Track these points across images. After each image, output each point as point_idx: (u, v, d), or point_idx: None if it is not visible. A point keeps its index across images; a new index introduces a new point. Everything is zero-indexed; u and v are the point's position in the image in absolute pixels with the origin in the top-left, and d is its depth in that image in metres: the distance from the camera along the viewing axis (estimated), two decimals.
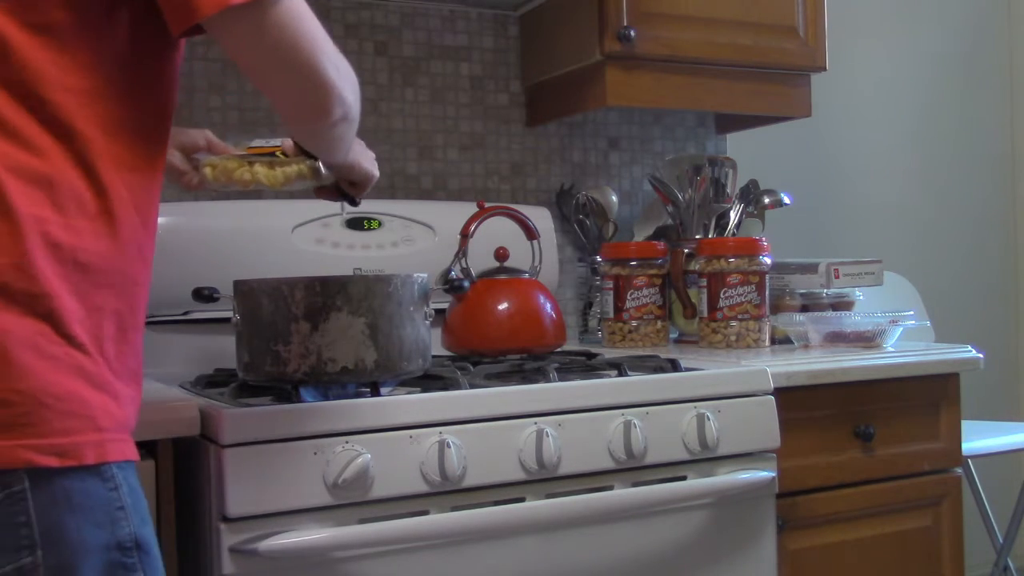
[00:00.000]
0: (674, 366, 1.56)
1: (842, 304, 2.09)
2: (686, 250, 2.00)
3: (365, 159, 1.33)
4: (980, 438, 2.20)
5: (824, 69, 2.17)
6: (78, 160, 0.93)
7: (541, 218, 2.05)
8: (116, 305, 0.95)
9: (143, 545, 0.93)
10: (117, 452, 0.92)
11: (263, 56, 0.99)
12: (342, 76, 1.05)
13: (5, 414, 0.85)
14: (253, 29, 0.97)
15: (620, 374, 1.50)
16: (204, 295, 1.44)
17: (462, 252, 1.72)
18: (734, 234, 2.15)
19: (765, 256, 1.91)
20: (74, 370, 0.89)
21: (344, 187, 1.35)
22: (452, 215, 1.89)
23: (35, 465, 0.85)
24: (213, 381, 1.51)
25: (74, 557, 0.87)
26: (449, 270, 1.69)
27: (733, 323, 1.89)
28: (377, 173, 1.36)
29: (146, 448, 1.22)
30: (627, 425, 1.40)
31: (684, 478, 1.45)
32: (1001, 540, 2.44)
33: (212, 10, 0.94)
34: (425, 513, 1.28)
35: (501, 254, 1.75)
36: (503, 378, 1.51)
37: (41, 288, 0.88)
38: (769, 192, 2.21)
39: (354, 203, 1.39)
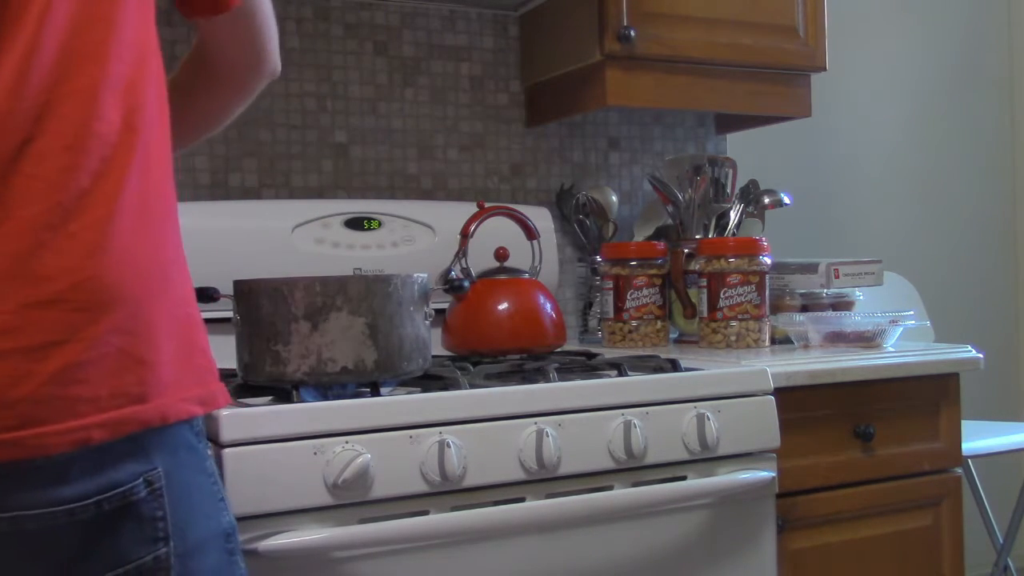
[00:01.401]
0: (674, 366, 1.56)
1: (842, 304, 2.09)
2: (686, 250, 2.00)
3: None
4: (980, 438, 2.20)
5: (824, 69, 2.17)
6: None
7: (541, 218, 2.05)
8: None
9: (236, 530, 1.02)
10: (227, 396, 1.02)
11: (247, 27, 1.16)
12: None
13: (166, 374, 0.92)
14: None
15: (620, 374, 1.50)
16: (204, 295, 1.43)
17: (462, 252, 1.72)
18: (734, 234, 2.15)
19: (765, 256, 1.91)
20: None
21: None
22: (452, 215, 1.89)
23: (193, 415, 0.94)
24: None
25: (195, 546, 0.95)
26: (449, 270, 1.69)
27: (733, 323, 1.89)
28: None
29: None
30: (627, 425, 1.40)
31: (684, 478, 1.45)
32: (1001, 540, 2.44)
33: None
34: (425, 513, 1.28)
35: (501, 254, 1.75)
36: (503, 378, 1.51)
37: None
38: (769, 192, 2.21)
39: None
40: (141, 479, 0.90)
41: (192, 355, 0.96)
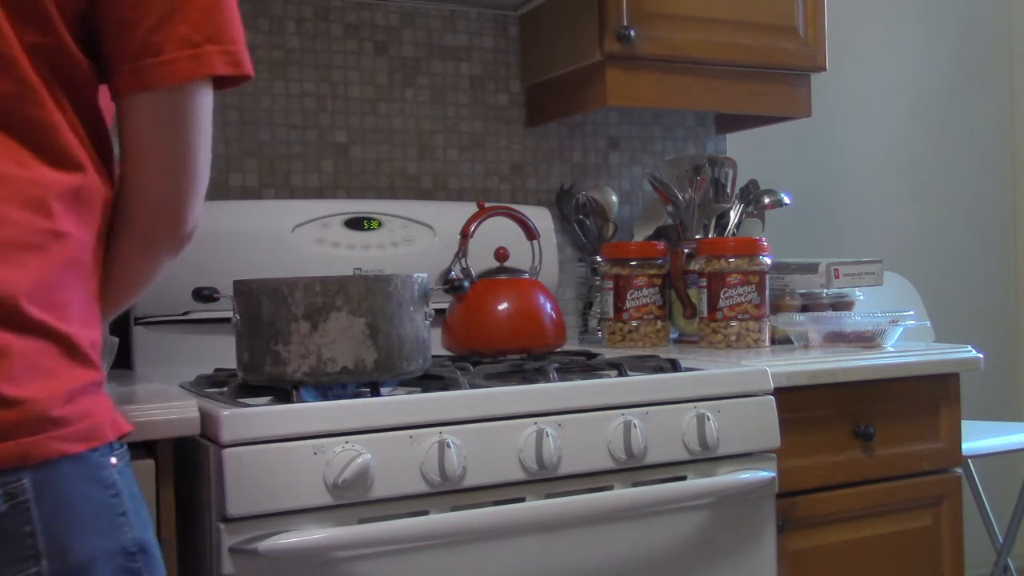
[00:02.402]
0: (674, 366, 1.56)
1: (842, 304, 2.09)
2: (686, 250, 2.00)
3: None
4: (980, 438, 2.20)
5: (824, 69, 2.17)
6: None
7: (541, 218, 2.05)
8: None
9: (146, 549, 0.93)
10: (124, 424, 0.94)
11: (175, 141, 0.99)
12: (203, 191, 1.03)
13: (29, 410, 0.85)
14: (185, 111, 0.98)
15: (620, 374, 1.50)
16: (204, 295, 1.44)
17: (462, 252, 1.72)
18: (734, 234, 2.15)
19: (765, 256, 1.91)
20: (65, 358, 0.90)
21: None
22: (452, 215, 1.90)
23: (68, 454, 0.86)
24: (213, 381, 1.51)
25: (79, 565, 0.87)
26: (449, 270, 1.69)
27: (733, 323, 1.89)
28: None
29: (146, 448, 1.22)
30: (627, 425, 1.40)
31: (684, 478, 1.45)
32: (1001, 540, 2.44)
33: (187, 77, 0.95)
34: (425, 513, 1.28)
35: (501, 254, 1.75)
36: (503, 378, 1.51)
37: None
38: (769, 192, 2.21)
39: None
40: (0, 492, 0.83)
41: (74, 389, 0.89)
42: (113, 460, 0.91)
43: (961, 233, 2.89)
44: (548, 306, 1.73)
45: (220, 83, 1.01)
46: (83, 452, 0.88)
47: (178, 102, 0.98)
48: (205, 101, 1.00)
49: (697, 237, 2.08)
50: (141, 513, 0.94)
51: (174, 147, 0.99)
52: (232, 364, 1.43)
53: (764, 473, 1.50)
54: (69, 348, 0.89)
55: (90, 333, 0.93)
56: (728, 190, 2.16)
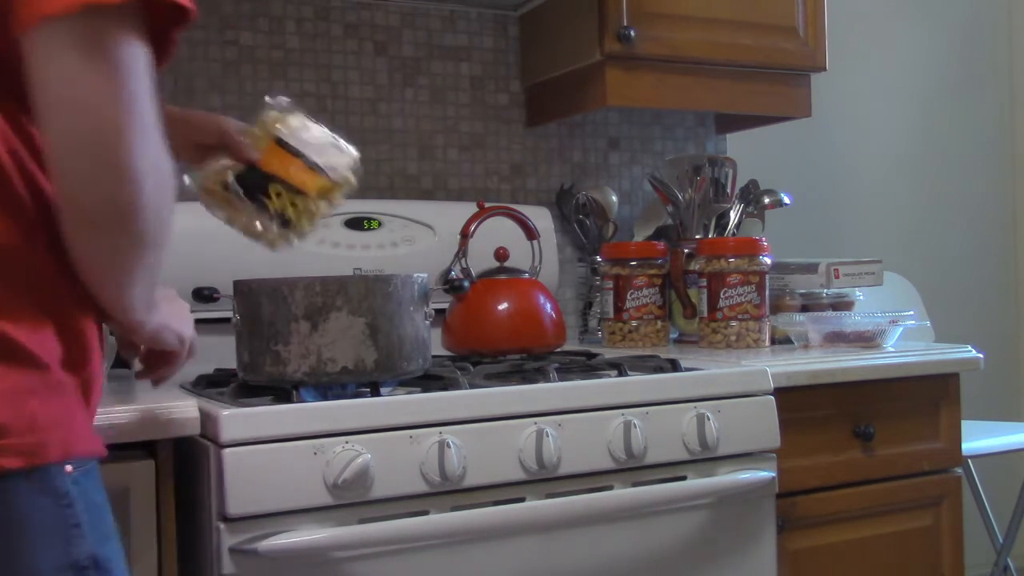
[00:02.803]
0: (674, 366, 1.56)
1: (842, 304, 2.09)
2: (686, 250, 2.00)
3: (176, 319, 1.11)
4: (980, 438, 2.20)
5: (824, 69, 2.17)
6: None
7: (541, 218, 2.05)
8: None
9: (101, 564, 0.87)
10: (79, 445, 0.87)
11: (81, 93, 0.78)
12: (154, 174, 0.83)
13: None
14: (90, 49, 0.77)
15: (620, 374, 1.50)
16: (204, 295, 1.44)
17: (462, 252, 1.72)
18: (734, 234, 2.15)
19: (765, 256, 1.91)
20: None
21: (125, 354, 1.15)
22: (452, 215, 1.90)
23: (8, 469, 0.81)
24: (213, 381, 1.51)
25: None
26: (449, 270, 1.69)
27: (733, 323, 1.89)
28: (189, 333, 1.12)
29: (146, 448, 1.22)
30: (627, 425, 1.40)
31: (684, 478, 1.45)
32: (1001, 540, 2.44)
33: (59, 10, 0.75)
34: (425, 513, 1.28)
35: (501, 254, 1.75)
36: (503, 378, 1.51)
37: None
38: (769, 192, 2.22)
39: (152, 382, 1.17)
40: None
41: (17, 403, 0.83)
42: (68, 468, 0.86)
43: (961, 233, 2.89)
44: (548, 306, 1.73)
45: (161, 39, 0.84)
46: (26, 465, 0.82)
47: (62, 44, 0.77)
48: (113, 47, 0.79)
49: (697, 237, 2.08)
50: (100, 525, 0.89)
51: (70, 103, 0.79)
52: (232, 364, 1.43)
53: (764, 473, 1.50)
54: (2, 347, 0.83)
55: (38, 334, 0.86)
56: (728, 190, 2.16)
